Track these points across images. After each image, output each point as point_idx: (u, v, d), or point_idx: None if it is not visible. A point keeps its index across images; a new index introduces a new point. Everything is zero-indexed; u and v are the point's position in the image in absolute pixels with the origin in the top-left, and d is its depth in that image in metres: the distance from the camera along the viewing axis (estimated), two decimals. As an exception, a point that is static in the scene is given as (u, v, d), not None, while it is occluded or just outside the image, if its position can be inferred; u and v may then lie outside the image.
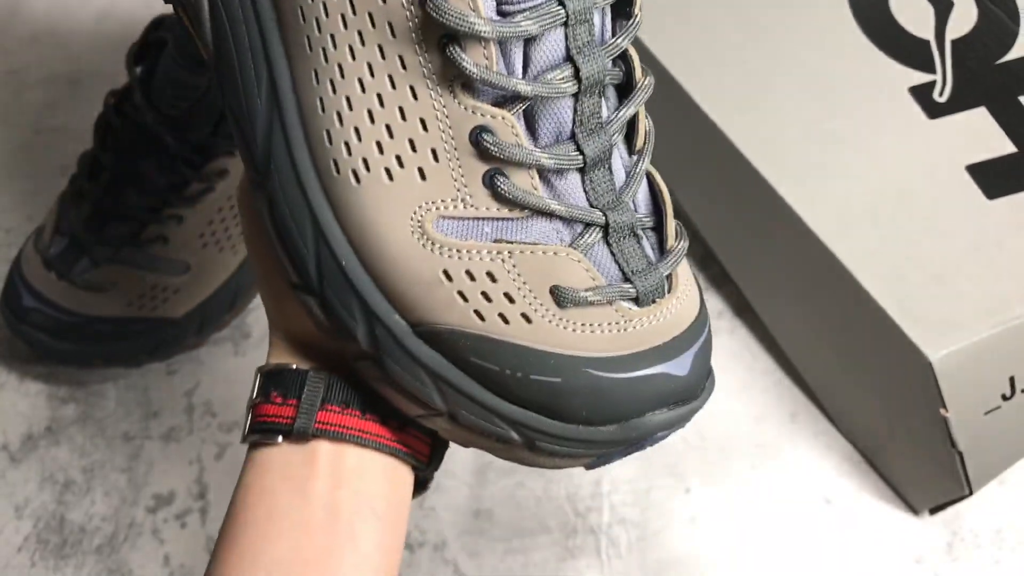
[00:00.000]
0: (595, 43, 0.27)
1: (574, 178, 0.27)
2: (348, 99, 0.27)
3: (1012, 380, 0.45)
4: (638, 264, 0.28)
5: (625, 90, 0.28)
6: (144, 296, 0.54)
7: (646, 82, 0.28)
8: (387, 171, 0.27)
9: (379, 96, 0.27)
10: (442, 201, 0.27)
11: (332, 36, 0.27)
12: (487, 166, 0.27)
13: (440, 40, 0.26)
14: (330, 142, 0.27)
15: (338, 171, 0.27)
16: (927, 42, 0.53)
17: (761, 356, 0.56)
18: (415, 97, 0.27)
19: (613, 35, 0.28)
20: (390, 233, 0.27)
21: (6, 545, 0.51)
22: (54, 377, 0.56)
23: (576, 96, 0.27)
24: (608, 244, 0.27)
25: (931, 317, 0.45)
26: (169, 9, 0.70)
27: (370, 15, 0.26)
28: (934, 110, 0.50)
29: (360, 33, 0.27)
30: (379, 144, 0.27)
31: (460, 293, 0.27)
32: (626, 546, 0.50)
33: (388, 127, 0.27)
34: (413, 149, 0.27)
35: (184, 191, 0.53)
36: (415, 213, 0.27)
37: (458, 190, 0.27)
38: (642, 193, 0.29)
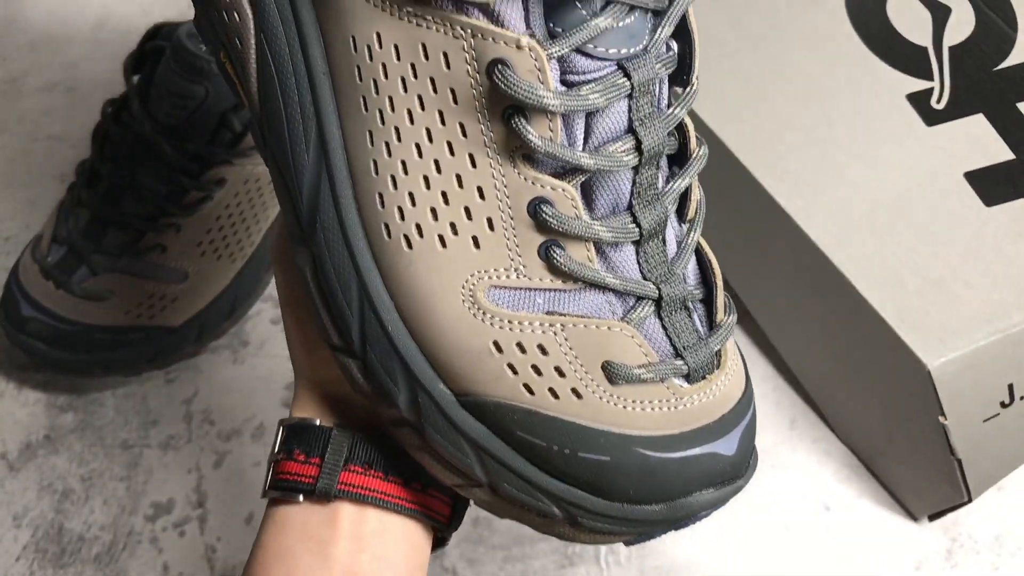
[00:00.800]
0: (656, 114, 0.26)
1: (628, 250, 0.27)
2: (404, 163, 0.26)
3: (1011, 387, 0.45)
4: (689, 339, 0.27)
5: (677, 158, 0.28)
6: (142, 305, 0.54)
7: (701, 152, 0.28)
8: (440, 238, 0.26)
9: (436, 162, 0.26)
10: (495, 270, 0.26)
11: (390, 98, 0.26)
12: (544, 237, 0.26)
13: (505, 111, 0.25)
14: (382, 205, 0.27)
15: (389, 235, 0.27)
16: (925, 49, 0.53)
17: (759, 362, 0.56)
18: (474, 165, 0.26)
19: (669, 104, 0.27)
20: (440, 301, 0.26)
21: (5, 554, 0.50)
22: (52, 386, 0.56)
23: (636, 168, 0.26)
24: (660, 318, 0.27)
25: (929, 324, 0.45)
26: (167, 16, 0.70)
27: (432, 81, 0.26)
28: (932, 117, 0.50)
29: (420, 98, 0.26)
30: (434, 210, 0.26)
31: (510, 365, 0.26)
32: (625, 554, 0.50)
33: (444, 194, 0.26)
34: (468, 217, 0.26)
35: (182, 200, 0.53)
36: (467, 281, 0.26)
37: (512, 260, 0.26)
38: (691, 263, 0.29)
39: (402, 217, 0.26)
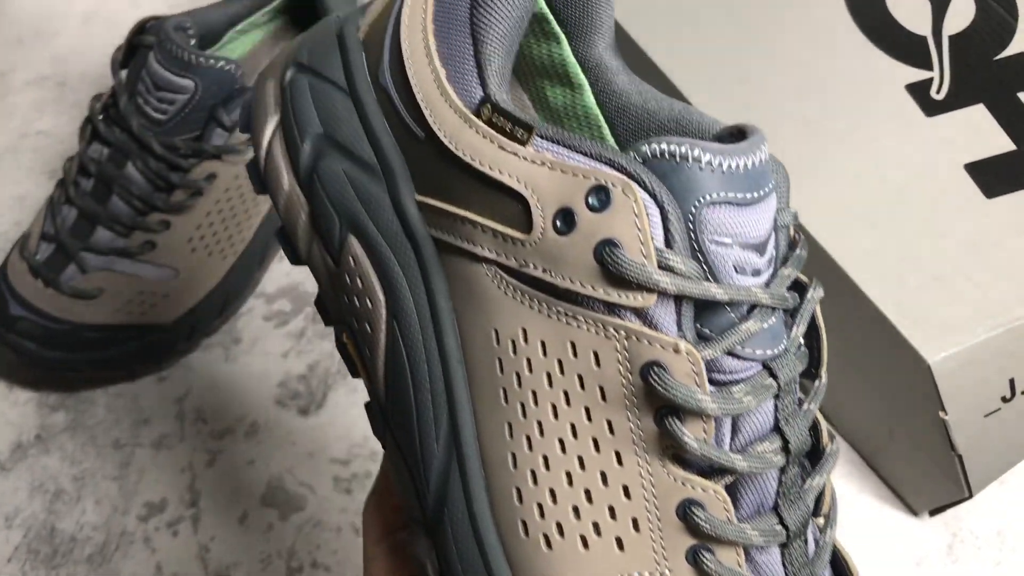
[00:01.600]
0: (797, 411, 0.26)
1: (775, 552, 0.26)
2: (546, 458, 0.26)
3: (1012, 382, 0.45)
4: None
5: (809, 453, 0.28)
6: (132, 302, 0.53)
7: (834, 447, 0.28)
8: (582, 538, 0.25)
9: (580, 459, 0.25)
10: (639, 574, 0.25)
11: (534, 392, 0.26)
12: (693, 541, 0.25)
13: (658, 411, 0.25)
14: (520, 501, 0.26)
15: (527, 533, 0.26)
16: (924, 38, 0.52)
17: (758, 357, 0.55)
18: (620, 463, 0.25)
19: (801, 400, 0.27)
20: None
21: (-4, 556, 0.50)
22: (43, 385, 0.55)
23: (783, 467, 0.26)
24: None
25: (930, 319, 0.44)
26: (156, 9, 0.69)
27: (580, 377, 0.25)
28: (931, 107, 0.50)
29: (566, 393, 0.25)
30: (576, 509, 0.25)
31: None
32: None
33: (587, 492, 0.25)
34: (612, 517, 0.25)
35: (171, 196, 0.52)
36: None
37: (657, 563, 0.25)
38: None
39: (542, 515, 0.26)
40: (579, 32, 0.31)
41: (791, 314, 0.27)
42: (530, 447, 0.26)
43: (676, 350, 0.25)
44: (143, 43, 0.52)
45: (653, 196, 0.24)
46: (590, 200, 0.25)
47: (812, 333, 0.28)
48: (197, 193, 0.53)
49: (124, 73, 0.53)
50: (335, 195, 0.29)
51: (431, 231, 0.28)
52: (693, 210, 0.25)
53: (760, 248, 0.26)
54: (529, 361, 0.26)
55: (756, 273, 0.26)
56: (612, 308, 0.25)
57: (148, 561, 0.50)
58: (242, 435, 0.54)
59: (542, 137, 0.26)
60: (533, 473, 0.26)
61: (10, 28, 0.72)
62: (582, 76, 0.31)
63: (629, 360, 0.25)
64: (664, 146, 0.25)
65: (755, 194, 0.25)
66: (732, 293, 0.25)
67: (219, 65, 0.51)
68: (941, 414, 0.44)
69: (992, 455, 0.47)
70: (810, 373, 0.28)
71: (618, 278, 0.25)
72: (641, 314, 0.25)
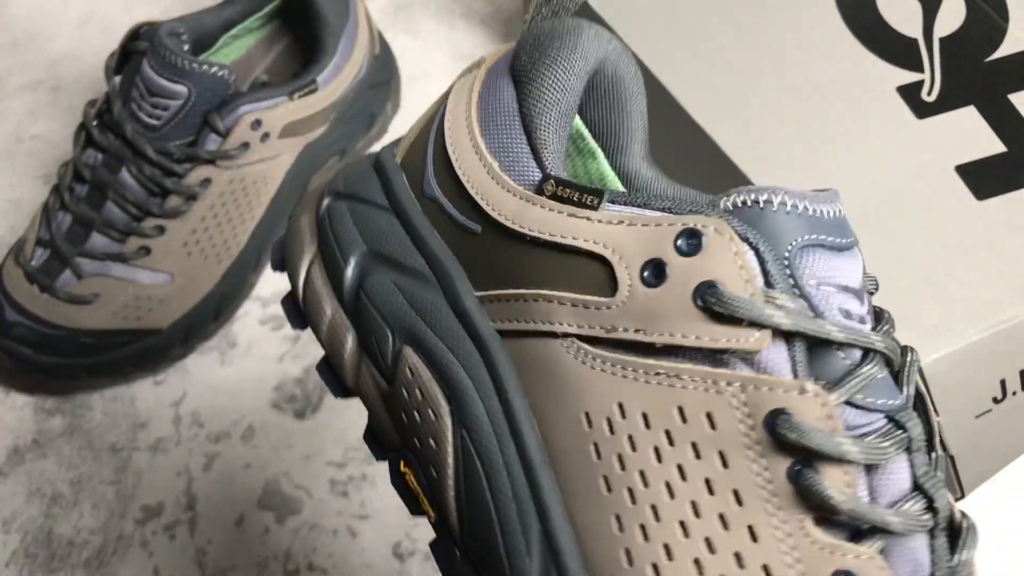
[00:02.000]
0: (931, 472, 0.24)
1: None
2: (667, 547, 0.23)
3: (1003, 383, 0.45)
4: None
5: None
6: (128, 307, 0.53)
7: (971, 522, 0.25)
8: None
9: (708, 541, 0.22)
10: None
11: (642, 473, 0.23)
12: None
13: (791, 468, 0.22)
14: None
15: None
16: (915, 40, 0.52)
17: (752, 358, 0.55)
18: (754, 539, 0.22)
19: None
20: None
21: (-6, 560, 0.50)
22: (40, 389, 0.56)
23: (932, 532, 0.23)
24: None
25: (921, 320, 0.44)
26: (151, 13, 0.69)
27: (694, 445, 0.23)
28: (922, 109, 0.50)
29: (680, 467, 0.23)
30: None
31: None
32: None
33: None
34: None
35: (166, 201, 0.52)
36: None
37: None
38: None
39: None
40: (615, 144, 0.30)
41: (894, 377, 0.24)
42: (646, 537, 0.23)
43: (802, 391, 0.22)
44: (137, 49, 0.52)
45: (745, 239, 0.23)
46: (679, 244, 0.23)
47: (918, 404, 0.25)
48: (192, 198, 0.53)
49: (118, 79, 0.53)
50: (386, 308, 0.27)
51: (496, 324, 0.26)
52: (787, 253, 0.23)
53: (859, 295, 0.24)
54: (631, 438, 0.23)
55: (861, 321, 0.24)
56: (718, 359, 0.23)
57: (145, 565, 0.50)
58: (238, 438, 0.54)
59: (613, 202, 0.25)
60: (655, 567, 0.23)
61: (5, 32, 0.72)
62: (622, 188, 0.30)
63: (749, 415, 0.22)
64: (745, 196, 0.24)
65: (845, 240, 0.24)
66: (848, 333, 0.23)
67: (212, 70, 0.51)
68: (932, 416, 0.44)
69: (984, 456, 0.47)
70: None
71: (726, 318, 0.22)
72: (751, 361, 0.23)
